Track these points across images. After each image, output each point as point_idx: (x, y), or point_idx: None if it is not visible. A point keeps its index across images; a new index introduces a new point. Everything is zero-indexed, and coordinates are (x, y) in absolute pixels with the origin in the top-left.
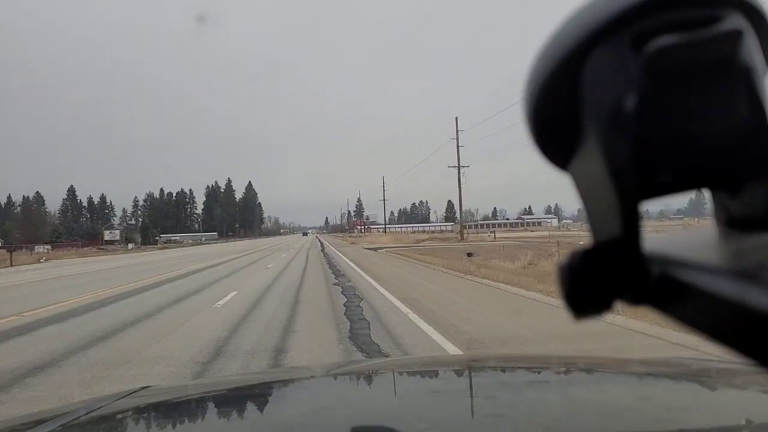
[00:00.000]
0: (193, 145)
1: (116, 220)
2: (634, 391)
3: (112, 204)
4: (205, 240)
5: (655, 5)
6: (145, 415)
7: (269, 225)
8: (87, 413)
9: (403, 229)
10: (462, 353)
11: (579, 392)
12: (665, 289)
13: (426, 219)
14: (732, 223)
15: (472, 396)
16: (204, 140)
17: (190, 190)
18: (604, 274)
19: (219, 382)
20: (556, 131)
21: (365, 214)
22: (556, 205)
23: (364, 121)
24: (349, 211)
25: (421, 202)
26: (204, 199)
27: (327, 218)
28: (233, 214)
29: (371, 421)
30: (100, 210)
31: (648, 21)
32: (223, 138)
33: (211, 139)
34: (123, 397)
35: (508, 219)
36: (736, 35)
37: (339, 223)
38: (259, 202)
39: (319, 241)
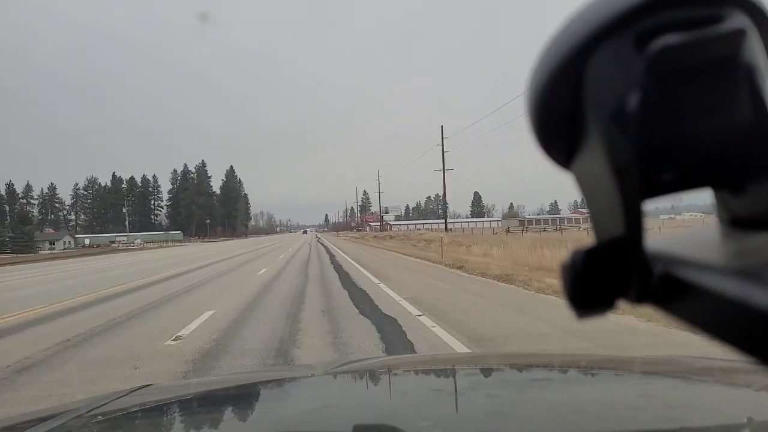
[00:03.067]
0: (182, 142)
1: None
2: (637, 390)
3: (57, 193)
4: (141, 243)
5: (657, 4)
6: (147, 413)
7: (261, 222)
8: (88, 411)
9: (438, 227)
10: (465, 351)
11: (581, 390)
12: (668, 288)
13: (433, 215)
14: (735, 222)
15: (474, 394)
16: (195, 136)
17: (154, 176)
18: (607, 273)
19: (221, 380)
20: (559, 130)
21: (384, 206)
22: (583, 200)
23: (365, 117)
24: (352, 207)
25: (437, 195)
26: (170, 187)
27: (327, 215)
28: (207, 207)
29: (373, 419)
30: (47, 201)
31: (651, 20)
32: (216, 135)
33: (202, 136)
34: (125, 395)
35: (539, 215)
36: (740, 34)
37: (341, 220)
38: (245, 194)
39: (322, 244)
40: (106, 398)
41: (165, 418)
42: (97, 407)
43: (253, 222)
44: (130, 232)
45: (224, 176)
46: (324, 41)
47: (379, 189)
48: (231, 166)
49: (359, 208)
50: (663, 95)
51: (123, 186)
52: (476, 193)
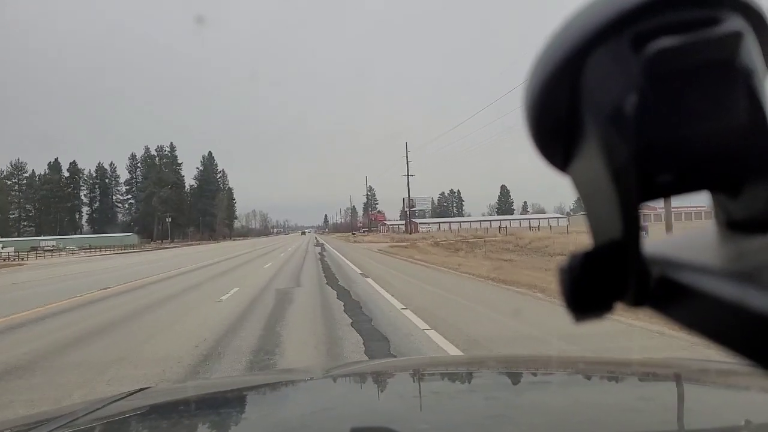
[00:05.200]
0: (172, 138)
1: None
2: (634, 392)
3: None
4: (66, 251)
5: (655, 6)
6: (144, 416)
7: (255, 223)
8: (85, 414)
9: (481, 225)
10: (463, 354)
11: (579, 393)
12: (665, 291)
13: (445, 214)
14: (732, 224)
15: (472, 396)
16: (187, 133)
17: (112, 164)
18: (604, 276)
19: (218, 383)
20: (556, 133)
21: (414, 203)
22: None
23: (364, 118)
24: (354, 207)
25: (451, 191)
26: (127, 177)
27: (326, 216)
28: (173, 202)
29: (371, 421)
30: None
31: (648, 22)
32: (210, 133)
33: (197, 134)
34: (122, 398)
35: (563, 213)
36: (736, 37)
37: (343, 220)
38: (230, 187)
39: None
40: (103, 401)
41: (161, 422)
42: (94, 410)
43: (243, 222)
44: (84, 233)
45: (200, 165)
46: (324, 38)
47: (372, 191)
48: (209, 152)
49: (364, 206)
50: (660, 97)
51: (60, 175)
52: (503, 187)
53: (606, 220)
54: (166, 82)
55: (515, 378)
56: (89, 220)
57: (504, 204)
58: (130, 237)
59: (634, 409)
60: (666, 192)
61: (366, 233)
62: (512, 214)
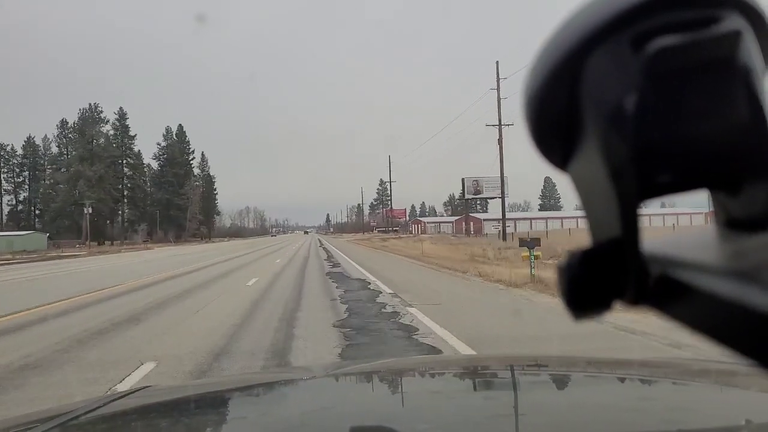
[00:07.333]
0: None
1: None
2: (635, 392)
3: None
4: None
5: (654, 6)
6: (144, 414)
7: (249, 222)
8: (86, 413)
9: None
10: (463, 354)
11: (580, 393)
12: (664, 290)
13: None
14: (731, 223)
15: (472, 396)
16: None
17: (45, 137)
18: (603, 275)
19: (219, 382)
20: (556, 131)
21: (473, 180)
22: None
23: (365, 118)
24: (358, 205)
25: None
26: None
27: (328, 215)
28: (114, 187)
29: (371, 421)
30: None
31: (648, 21)
32: (207, 131)
33: (196, 131)
34: (122, 396)
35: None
36: (736, 36)
37: (348, 220)
38: (209, 173)
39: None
40: (104, 400)
41: (162, 420)
42: (95, 409)
43: (234, 220)
44: (8, 229)
45: (164, 140)
46: (324, 38)
47: (383, 185)
48: (180, 126)
49: (371, 205)
50: (659, 97)
51: None
52: (547, 180)
53: (605, 218)
54: (161, 81)
55: (516, 378)
56: (11, 214)
57: (549, 199)
58: (33, 236)
59: (634, 409)
60: (665, 191)
61: (393, 236)
62: (559, 210)
